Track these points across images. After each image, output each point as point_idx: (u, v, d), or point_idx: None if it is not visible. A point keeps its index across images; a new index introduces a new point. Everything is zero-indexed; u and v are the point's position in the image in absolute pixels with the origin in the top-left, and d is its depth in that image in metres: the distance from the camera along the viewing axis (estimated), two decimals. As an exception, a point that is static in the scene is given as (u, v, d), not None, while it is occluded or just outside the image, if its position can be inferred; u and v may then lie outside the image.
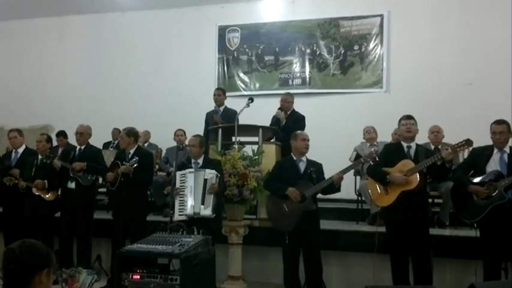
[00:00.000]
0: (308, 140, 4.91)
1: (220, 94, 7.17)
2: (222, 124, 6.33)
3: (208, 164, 5.16)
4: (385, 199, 4.61)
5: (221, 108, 7.06)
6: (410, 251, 4.56)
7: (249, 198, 5.41)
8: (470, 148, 4.52)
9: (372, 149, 4.51)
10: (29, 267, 1.97)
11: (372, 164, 4.76)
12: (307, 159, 4.92)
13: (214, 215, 4.90)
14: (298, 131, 5.05)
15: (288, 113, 6.73)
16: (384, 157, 4.74)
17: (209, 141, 6.21)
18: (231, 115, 6.56)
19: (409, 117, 4.70)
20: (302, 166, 4.86)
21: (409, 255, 4.58)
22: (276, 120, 6.65)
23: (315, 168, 4.80)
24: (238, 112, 6.07)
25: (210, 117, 7.01)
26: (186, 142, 6.92)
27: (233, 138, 5.93)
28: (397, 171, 4.51)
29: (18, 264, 1.96)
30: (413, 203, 4.46)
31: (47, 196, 5.99)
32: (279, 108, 6.74)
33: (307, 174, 4.78)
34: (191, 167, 5.13)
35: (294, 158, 4.92)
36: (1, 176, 6.17)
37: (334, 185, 4.66)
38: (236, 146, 5.63)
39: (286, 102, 6.77)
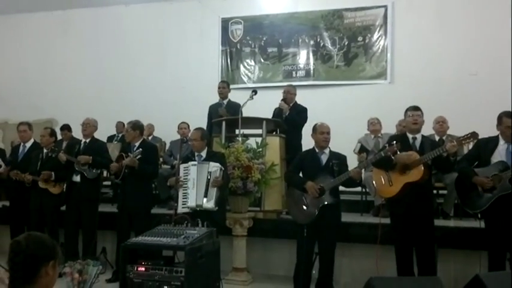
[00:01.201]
0: (328, 133, 4.80)
1: (224, 87, 7.18)
2: (227, 117, 6.33)
3: (212, 157, 5.16)
4: (389, 190, 4.60)
5: (225, 101, 7.05)
6: (415, 242, 4.56)
7: (253, 191, 5.43)
8: (475, 141, 4.46)
9: (394, 142, 4.45)
10: (35, 260, 1.98)
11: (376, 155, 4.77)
12: (331, 151, 4.83)
13: (217, 207, 4.92)
14: (319, 124, 4.92)
15: (291, 104, 6.72)
16: None
17: (213, 134, 6.21)
18: (234, 108, 6.56)
19: (416, 108, 4.66)
20: (324, 158, 4.79)
21: (413, 246, 4.59)
22: (278, 112, 6.64)
23: (338, 160, 4.70)
24: (241, 105, 6.06)
25: (213, 110, 7.01)
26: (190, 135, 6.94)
27: (237, 131, 5.93)
28: (402, 163, 4.50)
29: (25, 257, 1.97)
30: (417, 195, 4.44)
31: (53, 189, 6.02)
32: (283, 100, 6.73)
33: (328, 166, 4.70)
34: (194, 160, 5.14)
35: (316, 150, 4.86)
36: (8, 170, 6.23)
37: (353, 180, 4.61)
38: (240, 139, 5.64)
39: (290, 94, 6.76)
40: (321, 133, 4.81)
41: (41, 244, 2.02)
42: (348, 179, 4.58)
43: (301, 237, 4.67)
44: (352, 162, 4.74)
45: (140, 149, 5.40)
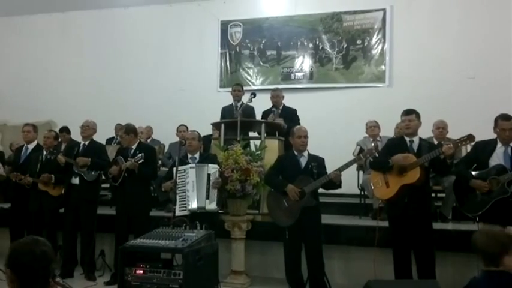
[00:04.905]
0: (305, 137, 4.86)
1: (240, 90, 7.20)
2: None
3: (206, 159, 5.25)
4: (386, 192, 4.62)
5: (239, 104, 7.05)
6: (413, 245, 4.57)
7: (251, 193, 5.42)
8: (472, 143, 4.47)
9: (372, 145, 4.50)
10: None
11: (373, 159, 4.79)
12: (309, 154, 4.90)
13: (218, 209, 4.94)
14: (296, 128, 5.01)
15: (280, 108, 6.75)
16: (387, 151, 4.75)
17: (227, 137, 6.17)
18: (249, 111, 6.54)
19: (408, 112, 4.67)
20: (303, 161, 4.85)
21: (411, 249, 4.59)
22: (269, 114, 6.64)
23: (316, 163, 4.77)
24: (240, 107, 6.07)
25: (227, 112, 7.01)
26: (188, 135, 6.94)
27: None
28: (398, 165, 4.50)
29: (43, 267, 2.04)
30: (415, 198, 4.46)
31: (53, 191, 6.02)
32: (273, 106, 6.74)
33: (308, 169, 4.76)
34: (189, 163, 5.17)
35: (295, 153, 4.92)
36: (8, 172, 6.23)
37: (333, 182, 4.65)
38: (239, 143, 5.63)
39: (279, 98, 6.81)
40: (299, 137, 4.86)
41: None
42: (327, 182, 4.62)
43: (285, 240, 4.75)
44: (341, 163, 4.73)
45: (142, 154, 5.41)
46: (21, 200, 6.14)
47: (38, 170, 6.03)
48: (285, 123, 6.42)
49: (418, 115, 4.67)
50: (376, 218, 6.00)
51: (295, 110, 6.75)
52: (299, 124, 6.23)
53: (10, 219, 6.38)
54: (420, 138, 4.72)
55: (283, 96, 6.87)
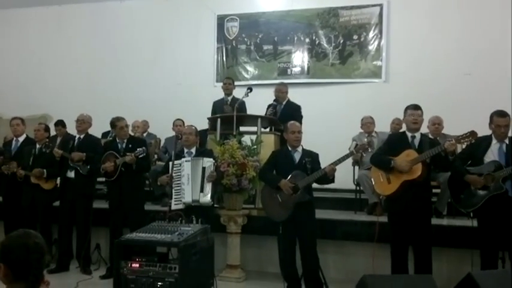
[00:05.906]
0: (299, 132, 4.86)
1: (230, 83, 7.19)
2: (231, 113, 6.32)
3: (202, 153, 5.27)
4: (387, 187, 4.61)
5: (229, 98, 7.03)
6: (411, 241, 4.58)
7: (247, 188, 5.44)
8: (474, 140, 4.42)
9: (365, 139, 4.50)
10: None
11: (375, 153, 4.81)
12: (303, 149, 4.89)
13: (212, 202, 4.96)
14: (290, 123, 4.99)
15: (284, 103, 6.72)
16: (388, 146, 4.74)
17: (219, 131, 6.18)
18: (239, 104, 6.54)
19: (416, 107, 4.64)
20: (297, 156, 4.84)
21: (409, 245, 4.60)
22: (273, 112, 6.63)
23: (310, 158, 4.76)
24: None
25: (217, 107, 6.99)
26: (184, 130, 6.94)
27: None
28: (401, 161, 4.51)
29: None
30: (415, 194, 4.45)
31: (45, 185, 6.00)
32: (274, 100, 6.73)
33: (301, 164, 4.75)
34: (184, 157, 5.18)
35: (290, 148, 4.91)
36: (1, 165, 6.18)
37: (327, 176, 4.64)
38: (235, 137, 5.64)
39: (281, 93, 6.77)
40: (292, 132, 4.86)
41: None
42: (322, 176, 4.62)
43: (279, 235, 4.75)
44: (337, 158, 4.73)
45: (144, 148, 5.45)
46: (14, 194, 6.12)
47: (30, 164, 6.01)
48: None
49: (422, 112, 4.67)
50: (372, 213, 6.06)
51: (299, 106, 6.69)
52: (301, 121, 6.26)
53: (4, 213, 6.35)
54: (421, 134, 4.71)
55: (286, 92, 6.83)
